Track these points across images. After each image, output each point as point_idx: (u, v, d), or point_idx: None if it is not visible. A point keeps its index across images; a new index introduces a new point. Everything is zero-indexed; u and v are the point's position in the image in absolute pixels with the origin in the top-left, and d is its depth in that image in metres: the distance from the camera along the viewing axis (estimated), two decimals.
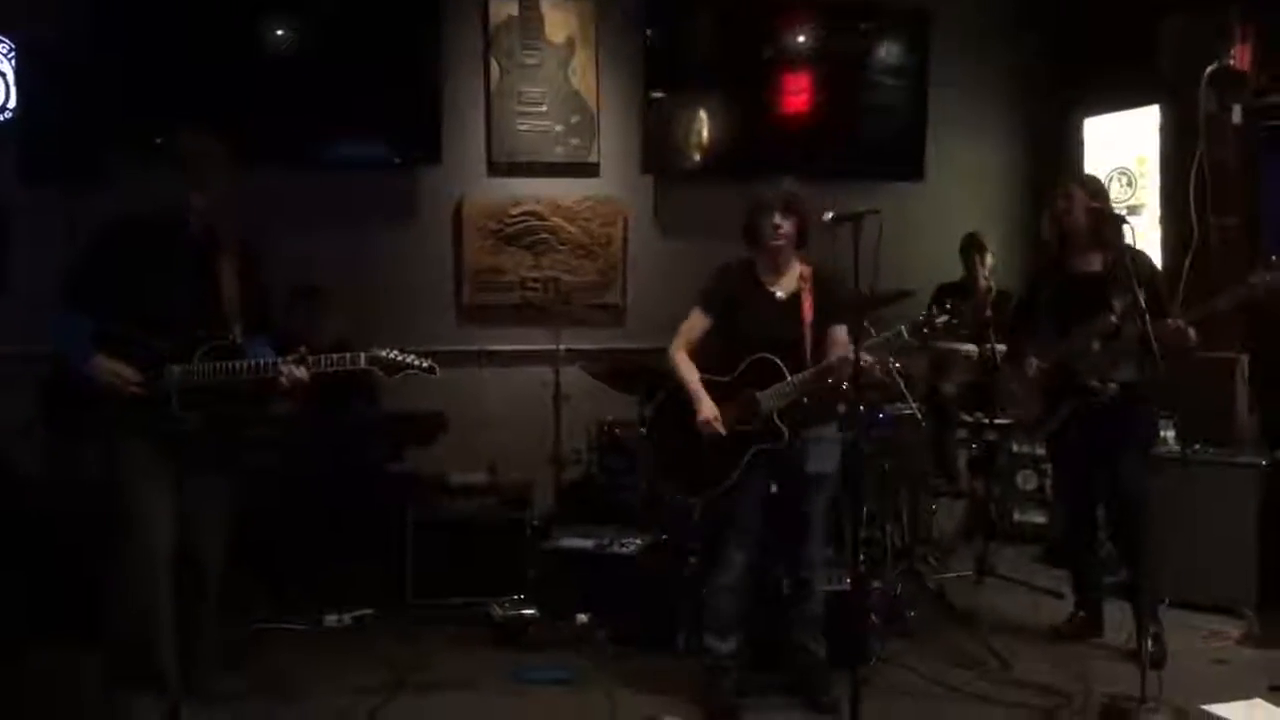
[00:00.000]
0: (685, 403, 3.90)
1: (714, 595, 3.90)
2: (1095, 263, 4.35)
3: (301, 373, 3.46)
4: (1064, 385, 4.34)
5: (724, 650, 3.89)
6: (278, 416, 4.58)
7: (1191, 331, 4.03)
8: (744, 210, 3.96)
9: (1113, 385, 4.21)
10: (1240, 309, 4.14)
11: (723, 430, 3.82)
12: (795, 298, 3.92)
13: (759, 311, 3.93)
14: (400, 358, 3.52)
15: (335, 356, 3.50)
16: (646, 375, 4.79)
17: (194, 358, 3.44)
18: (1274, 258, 3.94)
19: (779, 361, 3.84)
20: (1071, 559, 4.82)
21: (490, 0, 6.29)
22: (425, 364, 3.56)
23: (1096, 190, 4.44)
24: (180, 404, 3.43)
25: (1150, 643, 3.91)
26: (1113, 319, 4.18)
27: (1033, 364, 4.48)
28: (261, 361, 3.46)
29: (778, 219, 3.86)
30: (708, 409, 3.85)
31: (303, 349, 3.50)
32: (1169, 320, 3.99)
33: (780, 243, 3.89)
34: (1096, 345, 4.24)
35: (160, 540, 3.39)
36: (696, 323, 3.98)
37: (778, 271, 3.96)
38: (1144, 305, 3.77)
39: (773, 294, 3.95)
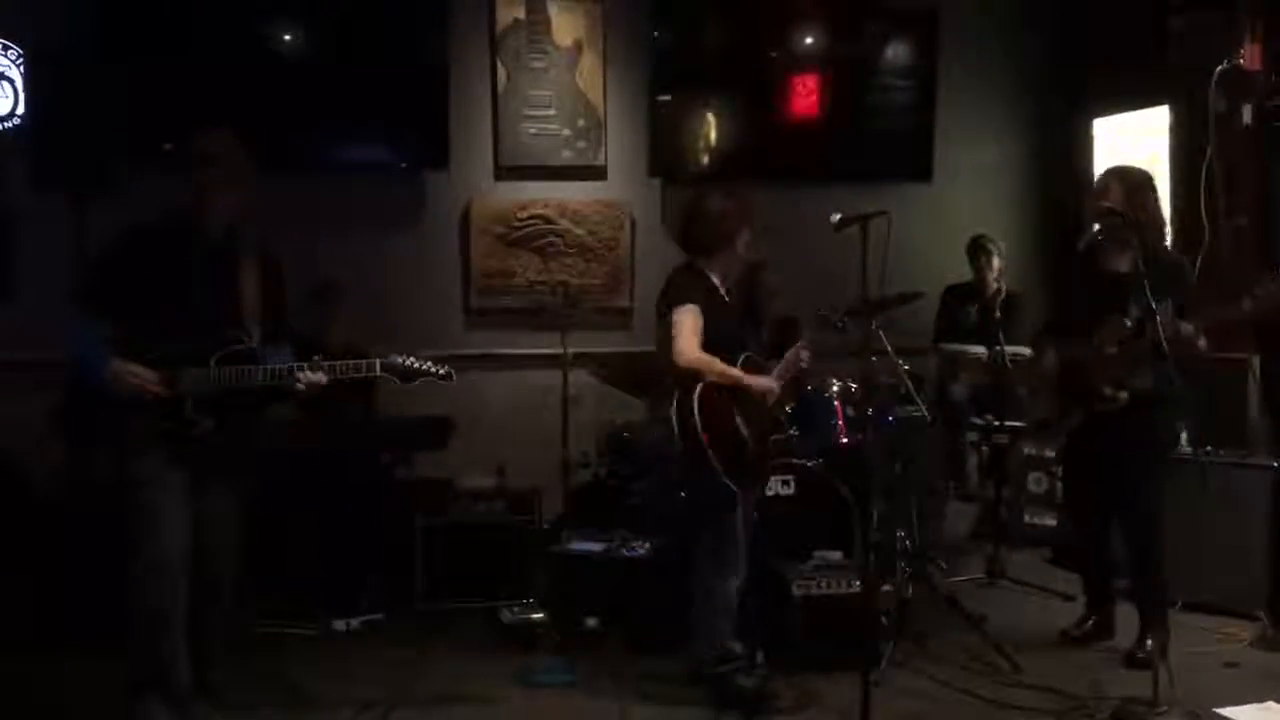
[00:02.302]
0: (725, 399, 3.88)
1: (728, 596, 3.91)
2: (1124, 263, 4.19)
3: (319, 377, 3.46)
4: (1078, 389, 4.28)
5: (739, 650, 3.91)
6: (288, 422, 4.58)
7: (1202, 341, 3.98)
8: (709, 216, 4.03)
9: (1123, 395, 4.12)
10: (1245, 319, 4.07)
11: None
12: (740, 294, 4.20)
13: (725, 314, 4.05)
14: (417, 364, 3.51)
15: (351, 363, 3.50)
16: (655, 378, 4.77)
17: (209, 363, 3.44)
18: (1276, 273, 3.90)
19: (761, 361, 4.02)
20: (1084, 564, 4.78)
21: (497, 4, 6.29)
22: (442, 370, 3.55)
23: (1135, 185, 4.27)
24: (194, 408, 3.43)
25: (1149, 644, 3.90)
26: (1127, 323, 4.10)
27: (1052, 359, 4.43)
28: (277, 367, 3.46)
29: (750, 232, 4.06)
30: (765, 381, 3.99)
31: (316, 357, 3.50)
32: (1181, 325, 3.93)
33: (752, 254, 4.10)
34: (1112, 349, 4.16)
35: (174, 544, 3.40)
36: (698, 322, 3.91)
37: (724, 278, 4.10)
38: (1154, 308, 3.74)
39: (726, 298, 4.10)
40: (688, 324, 3.90)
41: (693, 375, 3.86)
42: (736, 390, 3.91)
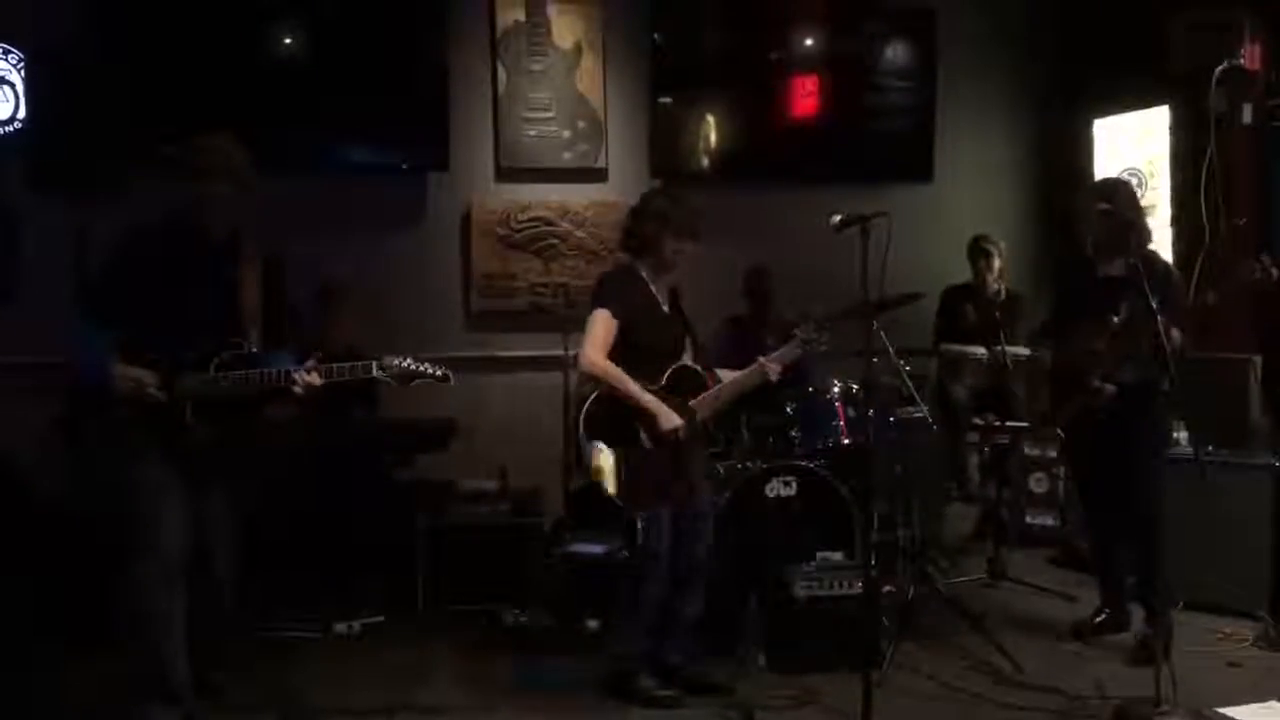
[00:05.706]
0: (624, 411, 3.83)
1: (644, 603, 3.95)
2: (1117, 267, 4.30)
3: (315, 379, 3.46)
4: (1071, 384, 4.34)
5: (649, 660, 3.98)
6: (288, 423, 4.58)
7: (1175, 334, 4.02)
8: (644, 216, 3.99)
9: (1110, 386, 4.21)
10: (1234, 300, 4.15)
11: (682, 439, 3.86)
12: (672, 309, 4.04)
13: (658, 320, 3.99)
14: (414, 366, 3.50)
15: (348, 365, 3.50)
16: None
17: (208, 366, 3.44)
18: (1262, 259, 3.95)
19: (700, 370, 3.96)
20: (1097, 560, 4.77)
21: (497, 6, 6.30)
22: (439, 372, 3.54)
23: (1110, 194, 4.39)
24: (193, 412, 3.43)
25: (1150, 640, 3.92)
26: (1114, 319, 4.17)
27: (1047, 357, 4.54)
28: (275, 370, 3.46)
29: (692, 245, 3.96)
30: (674, 418, 3.83)
31: (318, 354, 3.50)
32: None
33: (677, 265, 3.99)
34: (1101, 346, 4.24)
35: (173, 545, 3.40)
36: (609, 327, 3.86)
37: (659, 283, 4.02)
38: (1154, 306, 3.76)
39: (661, 303, 4.02)
40: (598, 329, 3.84)
41: (592, 381, 3.83)
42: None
